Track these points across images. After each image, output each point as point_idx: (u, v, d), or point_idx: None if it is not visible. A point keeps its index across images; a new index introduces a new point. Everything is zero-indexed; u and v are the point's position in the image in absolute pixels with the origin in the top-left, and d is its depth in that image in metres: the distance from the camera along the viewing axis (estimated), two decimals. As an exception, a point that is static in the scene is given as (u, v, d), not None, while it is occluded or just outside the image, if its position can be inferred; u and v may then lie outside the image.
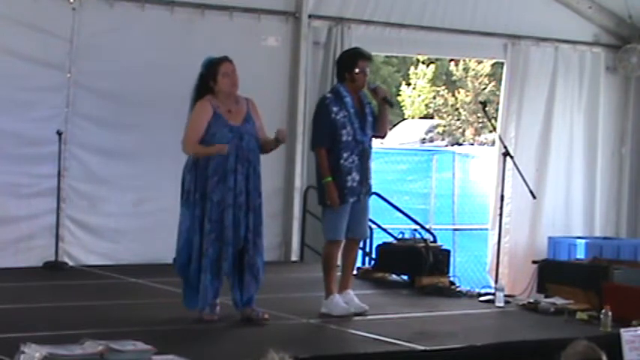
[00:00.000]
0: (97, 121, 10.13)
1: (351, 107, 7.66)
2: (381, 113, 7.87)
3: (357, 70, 7.68)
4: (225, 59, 7.15)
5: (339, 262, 7.98)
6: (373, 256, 10.54)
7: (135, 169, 10.29)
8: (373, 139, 7.89)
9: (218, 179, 6.97)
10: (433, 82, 32.30)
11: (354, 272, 10.28)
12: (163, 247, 9.60)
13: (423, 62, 32.22)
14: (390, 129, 29.02)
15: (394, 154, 16.48)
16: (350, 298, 7.79)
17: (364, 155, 7.72)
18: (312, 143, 7.90)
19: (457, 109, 30.74)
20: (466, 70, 30.63)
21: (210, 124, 7.02)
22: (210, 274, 6.97)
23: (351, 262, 7.99)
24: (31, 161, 9.81)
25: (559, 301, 8.40)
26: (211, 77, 7.09)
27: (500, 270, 10.66)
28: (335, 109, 7.62)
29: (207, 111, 7.03)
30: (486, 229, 12.82)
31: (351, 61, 7.75)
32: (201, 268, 6.98)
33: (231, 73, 7.12)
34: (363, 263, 10.88)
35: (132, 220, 10.26)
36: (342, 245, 7.84)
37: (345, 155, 7.60)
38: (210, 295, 7.04)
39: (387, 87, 32.60)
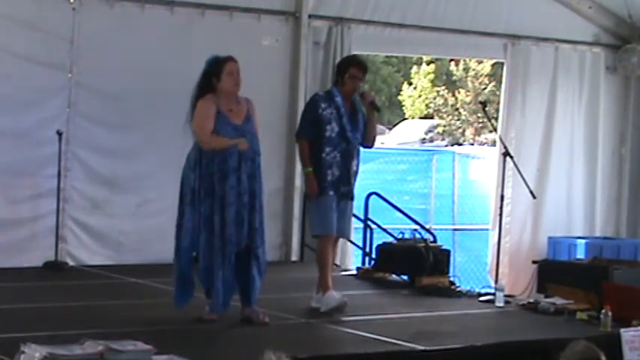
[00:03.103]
0: (99, 122, 10.12)
1: (341, 107, 7.85)
2: (369, 119, 8.07)
3: (346, 76, 7.91)
4: (231, 59, 7.16)
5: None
6: (373, 256, 10.55)
7: (137, 170, 10.28)
8: (361, 147, 8.07)
9: (220, 176, 6.97)
10: (433, 82, 32.31)
11: (354, 272, 10.38)
12: (166, 248, 9.59)
13: (425, 62, 32.22)
14: (390, 129, 29.18)
15: (394, 154, 16.50)
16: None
17: (347, 155, 7.87)
18: (297, 134, 8.15)
19: (457, 109, 30.75)
20: (466, 70, 30.63)
21: (214, 122, 7.03)
22: (221, 272, 6.97)
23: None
24: (34, 162, 9.80)
25: (559, 301, 8.40)
26: (215, 75, 7.09)
27: (500, 270, 10.68)
28: (323, 105, 7.85)
29: (211, 108, 7.03)
30: (486, 229, 12.82)
31: (344, 66, 8.04)
32: (214, 266, 6.96)
33: (236, 72, 7.12)
34: (363, 263, 10.90)
35: (135, 220, 10.24)
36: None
37: (327, 150, 7.79)
38: (221, 292, 7.01)
39: (387, 87, 32.75)
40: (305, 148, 7.87)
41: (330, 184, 7.79)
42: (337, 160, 7.81)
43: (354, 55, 8.63)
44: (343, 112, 7.85)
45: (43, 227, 9.78)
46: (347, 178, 7.91)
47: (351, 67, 7.94)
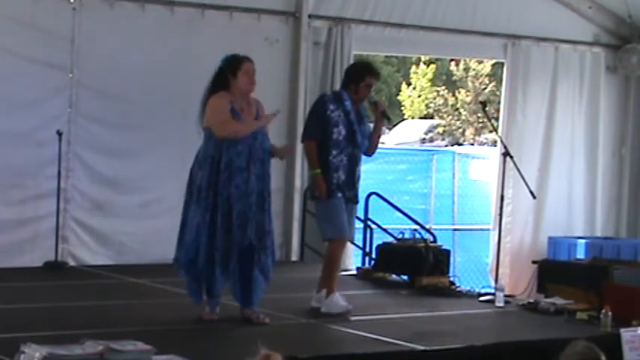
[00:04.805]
0: (100, 122, 10.12)
1: (351, 111, 7.79)
2: (377, 128, 8.06)
3: (362, 84, 7.82)
4: (249, 59, 7.17)
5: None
6: (373, 256, 10.54)
7: (139, 170, 10.28)
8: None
9: (229, 175, 6.96)
10: (433, 82, 32.31)
11: (354, 272, 10.38)
12: (168, 248, 9.62)
13: (423, 62, 32.23)
14: (390, 129, 29.17)
15: (394, 154, 16.47)
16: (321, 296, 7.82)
17: (353, 159, 7.83)
18: (303, 134, 8.07)
19: (457, 109, 30.73)
20: (466, 70, 30.62)
21: None
22: (220, 268, 6.96)
23: None
24: (35, 162, 9.79)
25: (559, 301, 8.41)
26: (231, 72, 7.08)
27: (501, 270, 10.67)
28: (332, 106, 7.77)
29: (226, 104, 7.03)
30: (486, 229, 12.83)
31: (359, 74, 7.90)
32: (214, 261, 6.94)
33: (252, 73, 7.13)
34: (363, 263, 10.90)
35: (137, 221, 10.23)
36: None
37: (334, 152, 7.72)
38: (219, 288, 7.02)
39: (387, 87, 32.73)
40: (313, 149, 7.76)
41: (336, 186, 7.72)
42: (344, 164, 7.74)
43: (369, 63, 8.51)
44: (353, 118, 7.76)
45: (45, 228, 9.77)
46: (352, 182, 7.85)
47: (368, 76, 7.85)
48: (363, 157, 8.17)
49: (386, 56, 29.76)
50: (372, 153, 8.18)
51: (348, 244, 10.77)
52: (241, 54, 7.22)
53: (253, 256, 7.05)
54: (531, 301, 8.62)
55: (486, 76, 30.10)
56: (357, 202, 8.09)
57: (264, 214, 7.10)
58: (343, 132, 7.73)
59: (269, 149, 7.18)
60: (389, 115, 8.22)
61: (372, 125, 8.16)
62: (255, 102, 7.24)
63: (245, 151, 7.01)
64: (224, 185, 6.96)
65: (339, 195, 7.73)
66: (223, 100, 7.04)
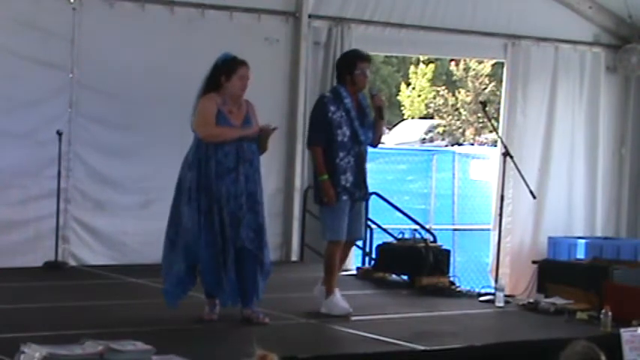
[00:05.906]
0: (100, 122, 10.13)
1: (351, 109, 7.70)
2: (377, 123, 7.93)
3: (357, 72, 7.70)
4: (245, 63, 7.14)
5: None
6: (373, 256, 10.55)
7: (139, 170, 10.28)
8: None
9: (217, 177, 6.96)
10: (433, 82, 32.32)
11: (354, 272, 10.38)
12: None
13: (423, 62, 32.24)
14: (390, 129, 29.16)
15: (394, 154, 16.49)
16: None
17: (360, 157, 7.76)
18: (308, 141, 7.99)
19: (457, 109, 30.74)
20: (466, 70, 30.63)
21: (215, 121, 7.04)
22: (224, 271, 6.94)
23: (341, 263, 7.98)
24: (36, 162, 9.80)
25: (559, 301, 8.41)
26: (226, 73, 7.06)
27: (501, 270, 10.66)
28: (332, 108, 7.66)
29: (212, 107, 7.03)
30: (486, 229, 12.83)
31: (350, 63, 7.78)
32: (218, 265, 6.93)
33: (246, 79, 7.12)
34: (363, 263, 10.90)
35: (137, 221, 10.23)
36: None
37: (341, 155, 7.64)
38: (228, 289, 6.99)
39: (387, 87, 32.74)
40: (319, 155, 7.63)
41: (343, 189, 7.63)
42: (351, 165, 7.65)
43: (356, 49, 8.33)
44: (354, 116, 7.66)
45: (46, 228, 9.78)
46: (362, 181, 7.78)
47: (359, 62, 7.72)
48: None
49: (386, 56, 29.78)
50: (377, 144, 8.11)
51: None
52: (239, 56, 7.19)
53: (252, 257, 7.05)
54: (531, 301, 8.62)
55: (486, 76, 30.10)
56: (366, 199, 8.04)
57: (257, 216, 7.09)
58: (347, 133, 7.63)
59: (256, 152, 7.16)
60: (384, 113, 8.08)
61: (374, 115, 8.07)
62: (246, 104, 7.22)
63: (233, 152, 7.00)
64: (214, 186, 6.95)
65: (344, 198, 7.66)
66: (210, 102, 7.04)
